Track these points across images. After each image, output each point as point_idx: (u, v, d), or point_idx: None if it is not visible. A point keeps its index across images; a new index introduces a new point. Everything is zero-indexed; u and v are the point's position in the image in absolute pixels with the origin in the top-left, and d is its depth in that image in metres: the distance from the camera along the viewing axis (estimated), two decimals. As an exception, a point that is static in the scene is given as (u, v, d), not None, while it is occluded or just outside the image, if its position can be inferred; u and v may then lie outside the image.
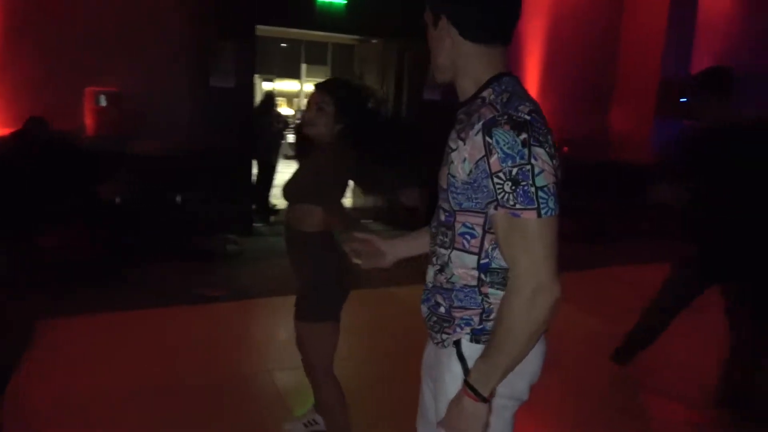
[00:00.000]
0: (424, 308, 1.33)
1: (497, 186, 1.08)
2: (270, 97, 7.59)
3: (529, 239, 1.07)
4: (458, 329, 1.22)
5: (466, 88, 1.22)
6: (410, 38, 6.69)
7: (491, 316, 1.19)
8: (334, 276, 2.20)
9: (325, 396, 2.29)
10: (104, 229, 4.70)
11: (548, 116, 1.17)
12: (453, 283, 1.22)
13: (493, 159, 1.07)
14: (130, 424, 2.67)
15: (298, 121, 9.77)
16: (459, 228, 1.19)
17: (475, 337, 1.21)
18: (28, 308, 2.96)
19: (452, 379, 1.22)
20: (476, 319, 1.20)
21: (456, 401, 1.16)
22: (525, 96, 1.16)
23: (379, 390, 3.08)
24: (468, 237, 1.18)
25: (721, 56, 7.90)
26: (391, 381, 3.15)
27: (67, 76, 5.34)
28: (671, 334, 3.07)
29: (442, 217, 1.24)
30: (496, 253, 1.17)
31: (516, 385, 1.23)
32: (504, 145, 1.06)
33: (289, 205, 2.21)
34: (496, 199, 1.09)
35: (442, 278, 1.25)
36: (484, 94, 1.17)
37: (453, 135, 1.20)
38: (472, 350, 1.20)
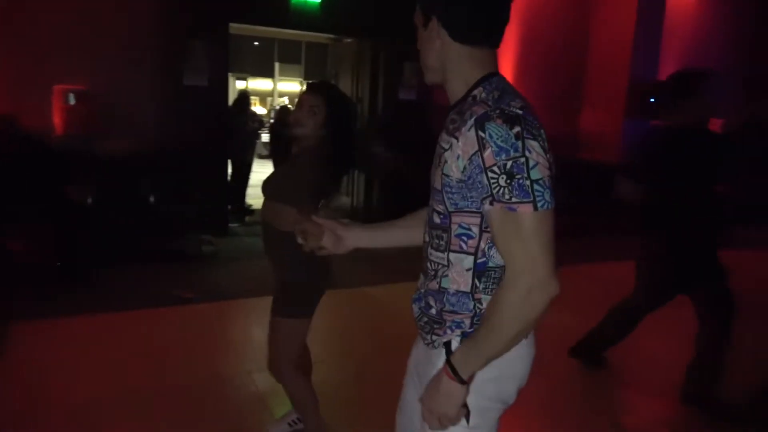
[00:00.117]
0: (415, 308, 1.32)
1: (492, 180, 1.06)
2: (245, 96, 7.55)
3: (525, 233, 1.05)
4: (449, 331, 1.22)
5: (456, 89, 1.21)
6: (385, 37, 6.72)
7: None
8: (311, 274, 2.25)
9: (293, 388, 2.34)
10: (75, 230, 4.60)
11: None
12: (446, 288, 1.21)
13: (487, 153, 1.05)
14: (106, 428, 2.63)
15: (272, 121, 9.71)
16: (455, 229, 1.18)
17: (465, 340, 1.21)
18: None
19: None
20: (467, 322, 1.20)
21: (436, 380, 1.18)
22: (516, 93, 1.16)
23: (355, 390, 3.09)
24: (465, 238, 1.17)
25: (688, 58, 8.15)
26: (366, 381, 3.16)
27: (34, 73, 5.20)
28: (646, 329, 3.15)
29: (437, 220, 1.21)
30: (493, 252, 1.16)
31: (504, 388, 1.24)
32: (497, 138, 1.05)
33: (266, 201, 2.24)
34: (491, 194, 1.07)
35: (434, 283, 1.24)
36: (475, 92, 1.17)
37: (444, 136, 1.18)
38: None
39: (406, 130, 6.59)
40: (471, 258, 1.18)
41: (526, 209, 1.04)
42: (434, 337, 1.25)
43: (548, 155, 1.09)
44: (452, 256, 1.20)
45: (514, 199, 1.05)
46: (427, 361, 1.29)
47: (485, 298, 1.19)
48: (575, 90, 8.39)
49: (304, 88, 2.38)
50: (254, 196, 7.33)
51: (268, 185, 2.24)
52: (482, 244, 1.16)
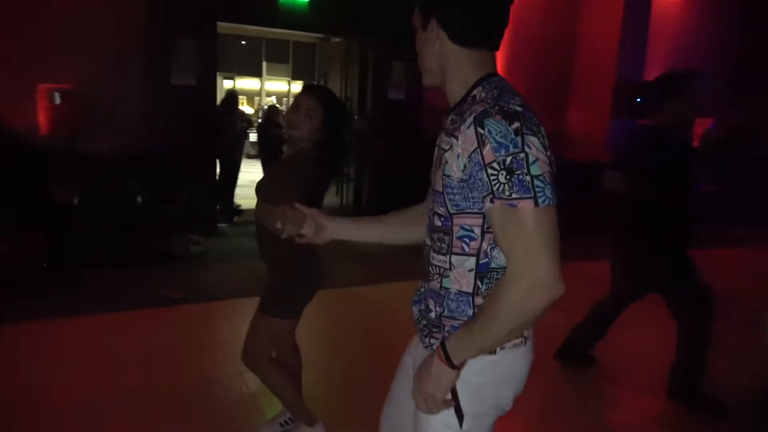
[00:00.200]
0: (415, 310, 1.31)
1: (492, 177, 1.05)
2: (233, 96, 7.51)
3: (527, 231, 1.03)
4: (447, 335, 1.21)
5: (456, 91, 1.21)
6: (373, 37, 6.71)
7: None
8: (302, 277, 2.27)
9: (271, 379, 2.35)
10: (62, 231, 4.55)
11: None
12: (447, 288, 1.20)
13: (486, 149, 1.04)
14: (94, 429, 2.60)
15: (260, 120, 9.65)
16: (457, 231, 1.16)
17: (462, 326, 1.21)
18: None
19: None
20: None
21: (427, 361, 1.18)
22: (515, 92, 1.15)
23: (344, 390, 3.09)
24: (467, 240, 1.16)
25: (674, 58, 8.23)
26: (355, 381, 3.16)
27: (19, 72, 5.14)
28: (636, 327, 3.17)
29: (438, 223, 1.20)
30: (496, 253, 1.15)
31: (502, 394, 1.24)
32: (496, 134, 1.04)
33: (259, 202, 2.24)
34: (492, 192, 1.05)
35: (435, 283, 1.23)
36: (475, 92, 1.17)
37: (444, 137, 1.18)
38: None
39: (395, 129, 6.60)
40: (473, 259, 1.17)
41: (526, 205, 1.03)
42: (433, 341, 1.25)
43: (548, 152, 1.09)
44: (454, 258, 1.18)
45: (514, 195, 1.03)
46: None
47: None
48: (562, 90, 8.44)
49: (301, 89, 2.39)
50: (243, 196, 7.30)
51: (261, 186, 2.24)
52: (484, 245, 1.15)
